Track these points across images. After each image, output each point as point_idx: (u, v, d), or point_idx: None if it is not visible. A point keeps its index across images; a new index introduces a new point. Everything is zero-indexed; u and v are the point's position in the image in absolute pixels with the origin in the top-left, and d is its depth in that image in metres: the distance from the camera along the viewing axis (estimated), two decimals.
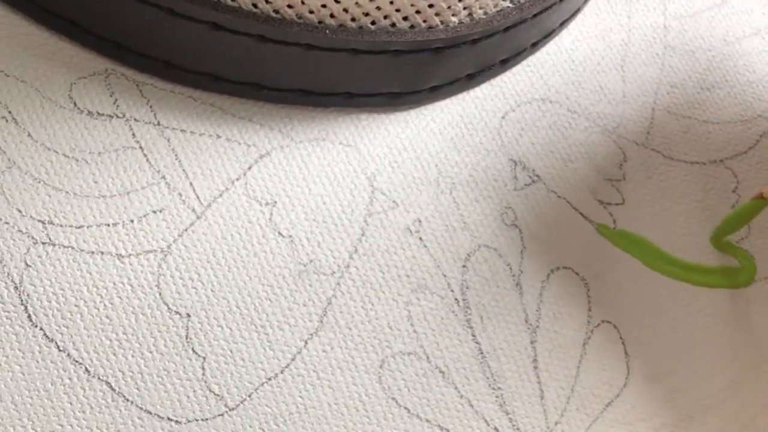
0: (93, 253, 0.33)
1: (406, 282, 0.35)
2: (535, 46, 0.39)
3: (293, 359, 0.33)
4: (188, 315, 0.33)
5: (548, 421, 0.34)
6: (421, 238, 0.36)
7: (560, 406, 0.35)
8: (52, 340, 0.32)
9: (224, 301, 0.33)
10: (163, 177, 0.34)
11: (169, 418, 0.32)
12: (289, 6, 0.33)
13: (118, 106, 0.35)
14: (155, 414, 0.32)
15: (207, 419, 0.32)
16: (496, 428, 0.34)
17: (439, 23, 0.35)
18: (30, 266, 0.33)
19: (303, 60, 0.35)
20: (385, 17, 0.34)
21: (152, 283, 0.33)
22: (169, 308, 0.33)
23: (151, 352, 0.32)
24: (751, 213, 0.37)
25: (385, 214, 0.36)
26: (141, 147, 0.35)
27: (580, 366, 0.35)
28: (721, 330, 0.37)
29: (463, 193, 0.37)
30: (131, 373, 0.32)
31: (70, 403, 0.32)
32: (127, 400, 0.32)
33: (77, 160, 0.34)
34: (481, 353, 0.35)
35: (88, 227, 0.33)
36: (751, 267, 0.38)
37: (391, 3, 0.34)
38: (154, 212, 0.34)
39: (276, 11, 0.33)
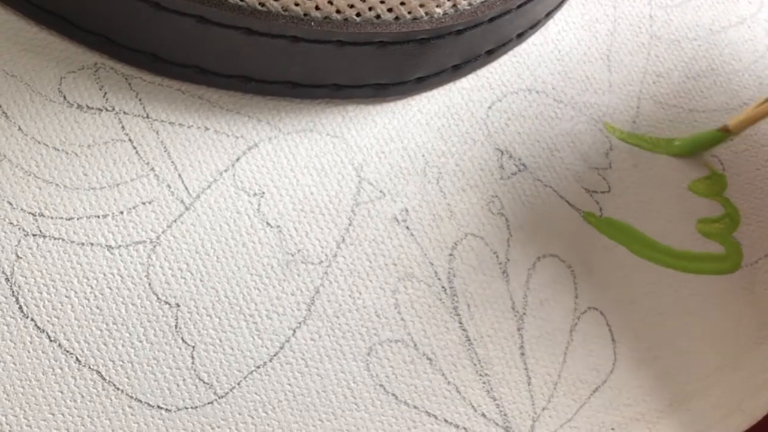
0: (83, 244, 0.33)
1: (393, 270, 0.35)
2: (521, 36, 0.39)
3: (282, 347, 0.34)
4: (177, 305, 0.33)
5: (535, 406, 0.35)
6: (408, 227, 0.36)
7: (547, 392, 0.35)
8: (43, 331, 0.32)
9: (213, 290, 0.34)
10: (152, 169, 0.35)
11: (159, 407, 0.32)
12: None
13: (107, 99, 0.35)
14: (145, 402, 0.32)
15: (197, 407, 0.32)
16: (483, 414, 0.34)
17: (423, 14, 0.35)
18: (21, 258, 0.33)
19: (289, 52, 0.35)
20: (370, 9, 0.35)
21: (142, 273, 0.33)
22: (158, 298, 0.33)
23: (141, 342, 0.33)
24: (712, 142, 0.38)
25: (372, 203, 0.36)
26: (130, 139, 0.35)
27: (567, 352, 0.36)
28: (707, 316, 0.37)
29: (450, 182, 0.37)
30: (121, 363, 0.32)
31: (61, 392, 0.32)
32: (118, 389, 0.32)
33: (67, 153, 0.34)
34: (468, 340, 0.35)
35: (78, 219, 0.34)
36: (737, 253, 0.38)
37: None
38: (144, 204, 0.34)
39: (261, 4, 0.34)
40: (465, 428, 0.34)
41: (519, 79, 0.39)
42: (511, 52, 0.40)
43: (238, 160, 0.35)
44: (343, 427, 0.33)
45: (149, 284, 0.33)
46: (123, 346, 0.33)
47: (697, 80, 0.41)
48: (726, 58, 0.42)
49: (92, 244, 0.33)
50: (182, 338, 0.33)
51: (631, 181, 0.39)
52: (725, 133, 0.37)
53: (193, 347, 0.33)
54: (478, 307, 0.35)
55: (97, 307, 0.33)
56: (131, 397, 0.32)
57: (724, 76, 0.41)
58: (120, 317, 0.33)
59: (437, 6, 0.35)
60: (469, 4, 0.36)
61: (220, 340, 0.33)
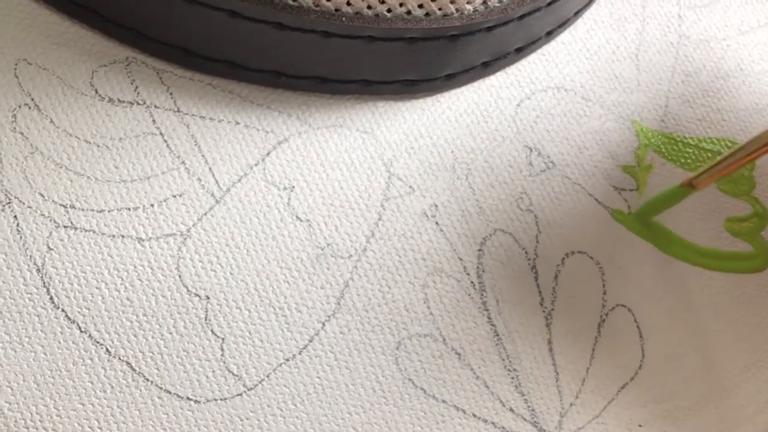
0: (114, 236, 0.34)
1: (422, 265, 0.35)
2: (550, 34, 0.40)
3: (311, 341, 0.34)
4: (207, 297, 0.33)
5: (563, 402, 0.35)
6: (437, 223, 0.36)
7: (575, 388, 0.35)
8: (73, 322, 0.32)
9: (243, 283, 0.34)
10: (183, 162, 0.35)
11: (188, 398, 0.32)
12: None
13: (138, 93, 0.36)
14: (175, 393, 0.32)
15: (225, 399, 0.33)
16: (511, 409, 0.34)
17: (454, 11, 0.35)
18: (52, 249, 0.33)
19: (320, 47, 0.35)
20: (401, 5, 0.35)
21: (172, 265, 0.34)
22: (188, 290, 0.33)
23: (170, 333, 0.33)
24: (677, 198, 0.37)
25: (401, 199, 0.36)
26: (161, 133, 0.35)
27: (595, 349, 0.36)
28: (734, 314, 0.37)
29: (479, 178, 0.37)
30: (151, 354, 0.33)
31: (92, 383, 0.32)
32: (147, 380, 0.32)
33: (99, 146, 0.35)
34: (497, 335, 0.35)
35: (109, 211, 0.34)
36: (765, 252, 0.38)
37: None
38: (174, 197, 0.34)
39: None
40: (493, 423, 0.34)
41: (548, 77, 0.39)
42: (540, 50, 0.40)
43: (268, 154, 0.36)
44: (372, 421, 0.33)
45: (179, 276, 0.34)
46: (153, 337, 0.33)
47: (725, 80, 0.41)
48: (755, 58, 0.42)
49: (123, 236, 0.34)
50: (212, 330, 0.33)
51: (659, 179, 0.39)
52: (690, 189, 0.36)
53: (223, 339, 0.33)
54: (507, 302, 0.35)
55: (128, 299, 0.33)
56: (161, 389, 0.32)
57: (753, 76, 0.41)
58: (150, 309, 0.33)
59: (468, 3, 0.35)
60: (500, 1, 0.36)
61: (250, 333, 0.33)
